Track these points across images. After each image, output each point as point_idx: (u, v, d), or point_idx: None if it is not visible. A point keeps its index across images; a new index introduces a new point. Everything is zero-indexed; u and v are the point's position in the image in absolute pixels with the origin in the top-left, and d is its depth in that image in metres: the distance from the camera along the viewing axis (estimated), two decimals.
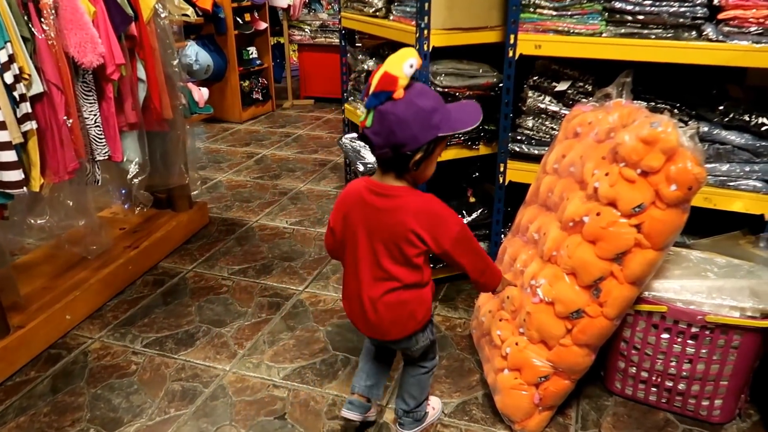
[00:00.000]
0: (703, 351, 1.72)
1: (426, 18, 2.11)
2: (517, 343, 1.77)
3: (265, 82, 5.53)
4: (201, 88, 3.10)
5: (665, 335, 1.75)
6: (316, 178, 3.95)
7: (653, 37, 1.82)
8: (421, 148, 1.36)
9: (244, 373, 2.07)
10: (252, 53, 5.37)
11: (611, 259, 1.59)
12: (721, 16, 1.74)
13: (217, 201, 3.58)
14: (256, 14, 5.35)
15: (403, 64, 1.28)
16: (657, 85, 2.01)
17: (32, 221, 2.11)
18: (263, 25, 5.36)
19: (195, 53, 4.87)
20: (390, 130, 1.32)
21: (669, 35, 1.81)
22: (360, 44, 3.15)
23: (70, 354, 2.18)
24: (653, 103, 1.96)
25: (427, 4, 2.09)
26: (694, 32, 1.80)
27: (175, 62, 2.67)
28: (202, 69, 4.94)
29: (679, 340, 1.73)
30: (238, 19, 5.12)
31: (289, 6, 5.60)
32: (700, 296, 1.69)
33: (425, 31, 2.13)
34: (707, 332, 1.69)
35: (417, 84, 1.34)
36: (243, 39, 5.27)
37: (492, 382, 1.86)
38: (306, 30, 5.84)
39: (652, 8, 1.79)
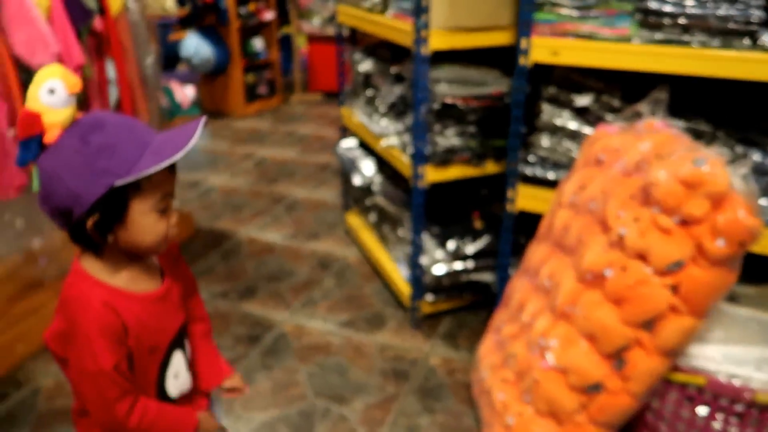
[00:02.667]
0: None
1: (424, 16, 1.80)
2: (521, 414, 1.48)
3: (271, 75, 5.25)
4: (186, 87, 2.82)
5: (702, 411, 1.43)
6: (316, 184, 3.67)
7: (695, 44, 1.49)
8: (95, 208, 0.86)
9: None
10: (257, 45, 5.08)
11: (639, 326, 1.29)
12: None
13: (207, 209, 3.32)
14: (261, 3, 5.06)
15: (39, 92, 0.86)
16: (698, 102, 1.68)
17: None
18: (269, 16, 5.07)
19: (195, 46, 4.60)
20: (46, 192, 0.89)
21: (715, 43, 1.48)
22: (363, 40, 2.85)
23: (18, 392, 1.94)
24: (692, 124, 1.63)
25: (425, 0, 1.78)
26: (746, 40, 1.46)
27: (150, 60, 2.40)
28: (203, 62, 4.68)
29: (720, 418, 1.42)
30: (242, 9, 4.84)
31: None
32: (748, 368, 1.37)
33: (423, 32, 1.82)
34: (755, 412, 1.37)
35: (88, 117, 0.90)
36: (247, 30, 4.99)
37: None
38: (316, 20, 5.54)
39: (696, 10, 1.46)
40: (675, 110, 1.65)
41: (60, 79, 0.87)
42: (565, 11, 1.63)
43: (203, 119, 0.92)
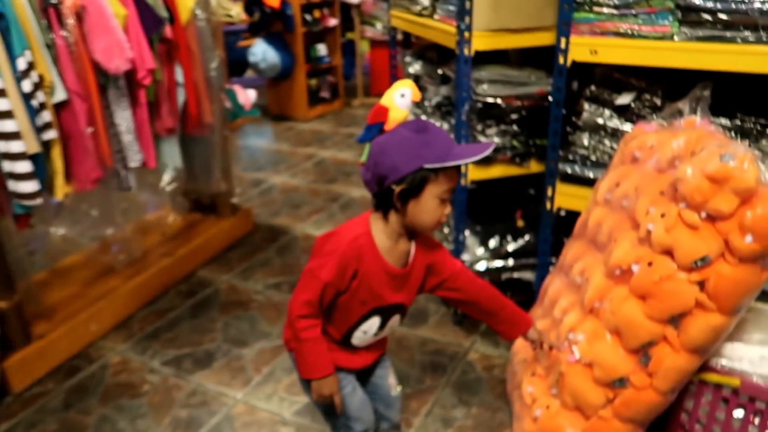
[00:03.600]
0: None
1: (467, 18, 1.85)
2: (548, 407, 1.50)
3: (334, 79, 5.41)
4: (248, 90, 2.98)
5: (738, 413, 1.41)
6: None
7: (739, 40, 1.46)
8: (404, 179, 1.14)
9: (255, 404, 1.93)
10: (321, 51, 5.26)
11: (664, 321, 1.28)
12: None
13: (267, 206, 3.49)
14: (326, 11, 5.23)
15: (394, 94, 1.21)
16: (745, 98, 1.64)
17: (54, 231, 2.08)
18: (333, 22, 5.23)
19: (263, 51, 4.83)
20: (374, 162, 1.17)
21: (760, 39, 1.45)
22: (415, 43, 2.92)
23: (89, 366, 2.13)
24: (738, 121, 1.60)
25: (468, 3, 1.83)
26: None
27: (215, 65, 2.57)
28: (270, 67, 4.89)
29: (757, 421, 1.38)
30: (307, 16, 5.02)
31: (361, 2, 5.44)
32: None
33: (466, 33, 1.87)
34: None
35: (419, 120, 1.20)
36: (312, 36, 5.17)
37: None
38: (378, 26, 5.66)
39: (739, 5, 1.44)
40: (723, 108, 1.62)
41: (410, 89, 1.21)
42: (605, 10, 1.64)
43: (492, 144, 1.21)
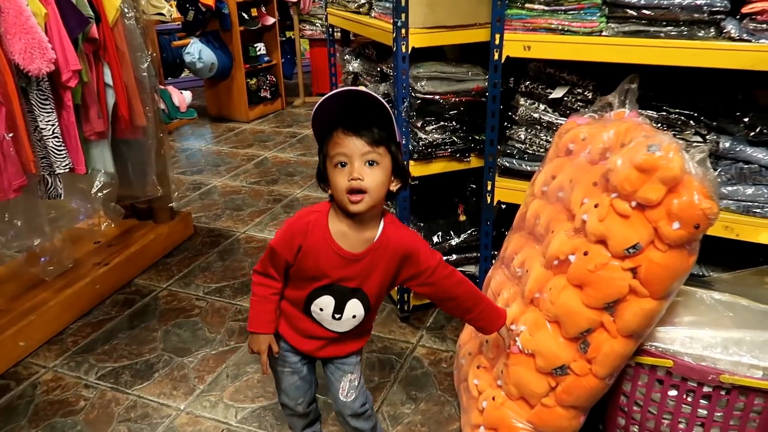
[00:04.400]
0: (718, 414, 1.43)
1: (403, 15, 1.85)
2: (494, 398, 1.52)
3: (274, 79, 5.33)
4: (183, 91, 2.89)
5: (672, 392, 1.46)
6: (315, 184, 3.70)
7: (662, 35, 1.52)
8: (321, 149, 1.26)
9: (199, 413, 1.87)
10: (259, 49, 5.17)
11: (601, 308, 1.32)
12: (745, 9, 1.43)
13: (207, 209, 3.40)
14: (263, 9, 5.14)
15: None
16: (670, 91, 1.71)
17: None
18: (271, 20, 5.15)
19: (198, 51, 4.70)
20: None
21: (682, 33, 1.51)
22: (354, 41, 2.91)
23: (18, 386, 2.01)
24: (665, 113, 1.66)
25: (404, 0, 1.83)
26: (712, 29, 1.50)
27: (146, 65, 2.48)
28: (206, 67, 4.77)
29: (689, 399, 1.44)
30: (244, 14, 4.92)
31: (299, 0, 5.38)
32: (714, 350, 1.40)
33: (403, 31, 1.87)
34: (722, 393, 1.40)
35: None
36: (250, 35, 5.07)
37: None
38: (317, 24, 5.62)
39: (662, 1, 1.49)
40: (648, 100, 1.68)
41: None
42: (536, 6, 1.67)
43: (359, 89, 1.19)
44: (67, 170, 2.18)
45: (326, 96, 1.17)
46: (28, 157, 2.00)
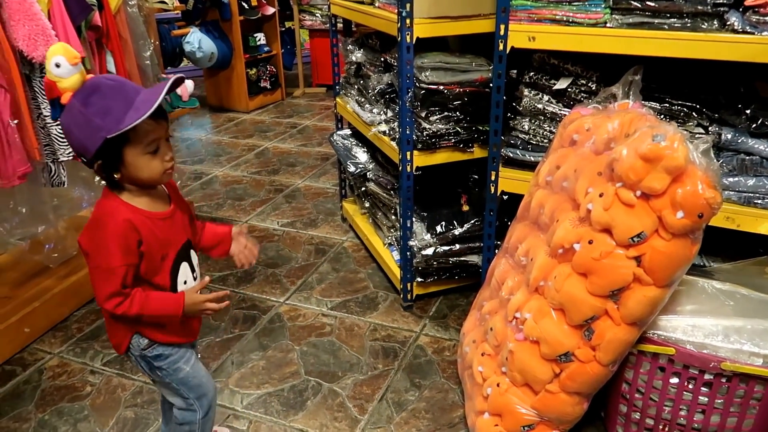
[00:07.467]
0: (718, 401, 1.45)
1: (408, 5, 1.86)
2: (498, 384, 1.54)
3: (274, 69, 5.33)
4: (185, 80, 2.89)
5: (674, 380, 1.49)
6: (316, 174, 3.74)
7: (666, 27, 1.53)
8: (98, 155, 1.14)
9: None
10: (259, 40, 5.16)
11: (605, 296, 1.34)
12: (748, 2, 1.44)
13: (209, 198, 3.41)
14: None
15: (49, 67, 1.12)
16: (673, 82, 1.72)
17: None
18: (271, 10, 5.13)
19: (198, 40, 4.69)
20: (67, 141, 1.24)
21: (685, 25, 1.52)
22: (356, 32, 2.91)
23: (24, 371, 2.03)
24: (667, 105, 1.68)
25: None
26: (715, 22, 1.51)
27: (148, 53, 2.48)
28: (206, 57, 4.76)
29: (690, 387, 1.47)
30: (244, 3, 4.91)
31: None
32: (716, 338, 1.42)
33: (407, 20, 1.88)
34: (723, 380, 1.43)
35: (89, 82, 1.15)
36: (250, 25, 5.06)
37: (471, 425, 1.64)
38: (317, 15, 5.60)
39: None
40: (650, 91, 1.70)
41: (62, 55, 1.11)
42: None
43: (173, 78, 1.14)
44: (71, 158, 2.18)
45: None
46: (32, 144, 2.00)
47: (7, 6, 1.89)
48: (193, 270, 1.35)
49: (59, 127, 2.09)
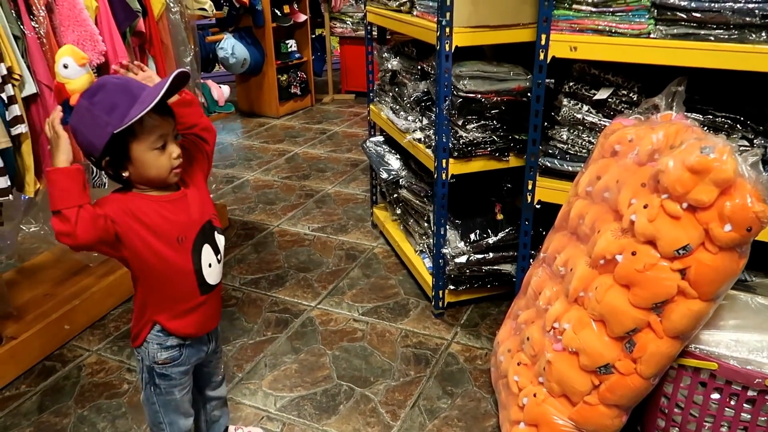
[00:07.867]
0: (762, 419, 1.43)
1: (448, 14, 1.87)
2: (535, 395, 1.53)
3: (304, 76, 5.38)
4: (221, 85, 2.95)
5: (715, 395, 1.46)
6: (346, 180, 3.76)
7: (712, 38, 1.52)
8: (106, 152, 1.15)
9: (239, 400, 1.91)
10: (291, 46, 5.22)
11: (648, 309, 1.33)
12: None
13: (241, 202, 3.45)
14: (295, 6, 5.20)
15: (58, 69, 1.18)
16: (716, 94, 1.70)
17: (25, 228, 2.01)
18: (302, 17, 5.20)
19: (231, 46, 4.76)
20: (77, 142, 1.19)
21: (732, 37, 1.51)
22: (390, 40, 2.93)
23: (64, 368, 2.08)
24: (711, 117, 1.66)
25: None
26: (763, 33, 1.49)
27: (189, 59, 2.53)
28: (239, 62, 4.83)
29: (733, 403, 1.44)
30: (277, 11, 4.98)
31: None
32: (760, 354, 1.40)
33: (447, 29, 1.89)
34: (767, 397, 1.40)
35: (96, 82, 1.19)
36: (282, 31, 5.13)
37: None
38: (348, 22, 5.65)
39: (712, 4, 1.49)
40: (693, 103, 1.68)
41: (70, 56, 1.15)
42: (583, 8, 1.68)
43: (176, 72, 1.16)
44: None
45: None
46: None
47: (58, 12, 1.95)
48: (217, 252, 1.34)
49: None
